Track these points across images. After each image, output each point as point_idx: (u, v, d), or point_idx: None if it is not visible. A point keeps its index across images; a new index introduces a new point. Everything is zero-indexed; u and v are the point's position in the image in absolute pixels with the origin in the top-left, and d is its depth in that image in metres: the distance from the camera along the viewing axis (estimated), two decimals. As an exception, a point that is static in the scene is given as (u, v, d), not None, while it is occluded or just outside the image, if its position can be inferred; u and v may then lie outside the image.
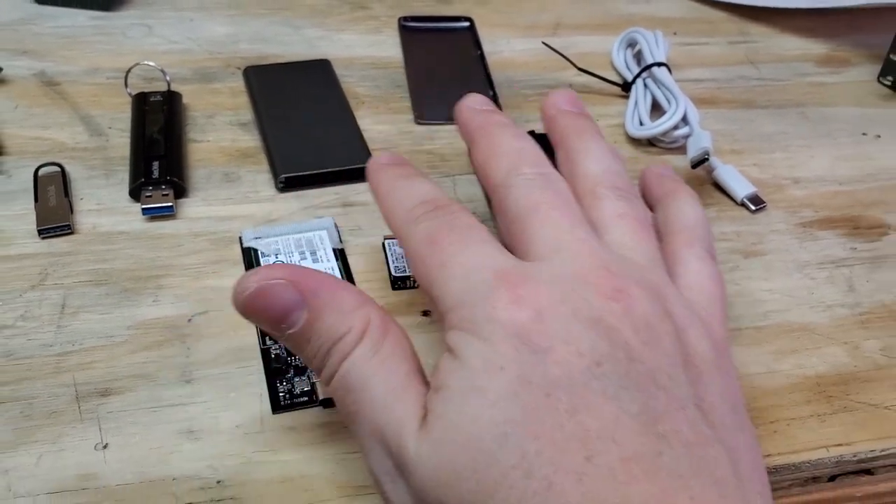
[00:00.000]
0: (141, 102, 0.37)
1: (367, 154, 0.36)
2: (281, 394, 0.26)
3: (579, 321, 0.20)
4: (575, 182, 0.25)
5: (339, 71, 0.41)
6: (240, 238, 0.32)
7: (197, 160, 0.36)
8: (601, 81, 0.42)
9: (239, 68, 0.41)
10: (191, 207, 0.33)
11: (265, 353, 0.27)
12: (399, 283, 0.30)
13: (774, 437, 0.26)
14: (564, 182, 0.24)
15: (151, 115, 0.36)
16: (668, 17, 0.50)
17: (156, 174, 0.33)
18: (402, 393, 0.20)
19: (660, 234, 0.26)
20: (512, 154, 0.25)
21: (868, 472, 0.26)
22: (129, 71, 0.39)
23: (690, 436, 0.19)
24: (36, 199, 0.32)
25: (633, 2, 0.51)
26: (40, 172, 0.34)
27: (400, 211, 0.24)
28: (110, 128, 0.37)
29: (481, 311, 0.20)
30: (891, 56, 0.44)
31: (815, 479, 0.26)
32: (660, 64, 0.40)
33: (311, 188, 0.35)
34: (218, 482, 0.24)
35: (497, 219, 0.25)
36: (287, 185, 0.34)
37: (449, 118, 0.39)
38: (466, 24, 0.47)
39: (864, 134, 0.41)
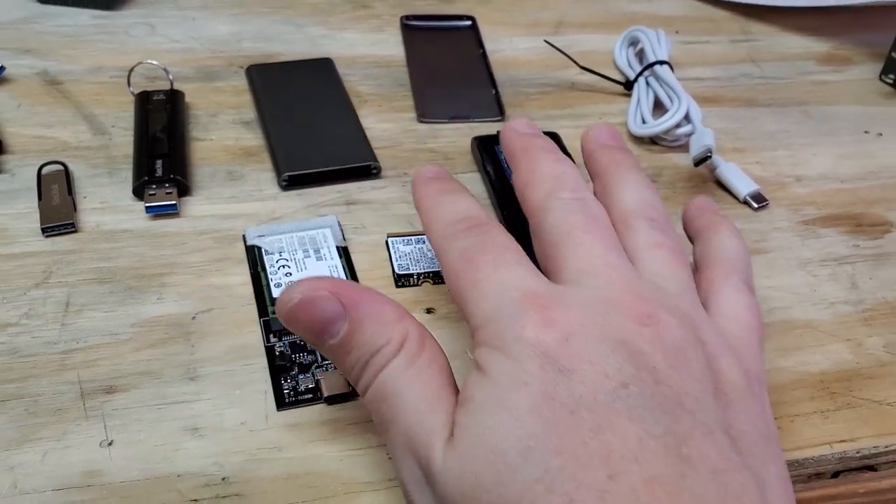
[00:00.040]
0: (144, 101, 0.37)
1: (370, 152, 0.36)
2: (285, 391, 0.26)
3: (607, 344, 0.20)
4: (610, 213, 0.25)
5: (341, 69, 0.41)
6: (243, 236, 0.32)
7: (200, 159, 0.36)
8: (603, 80, 0.42)
9: (242, 67, 0.41)
10: (194, 206, 0.33)
11: (269, 350, 0.27)
12: (402, 280, 0.30)
13: (778, 434, 0.26)
14: (601, 208, 0.25)
15: (154, 114, 0.36)
16: (670, 15, 0.50)
17: (159, 172, 0.33)
18: (435, 404, 0.21)
19: (698, 267, 0.26)
20: (551, 178, 0.25)
21: (871, 468, 0.26)
22: (131, 70, 0.39)
23: (717, 461, 0.18)
24: (39, 198, 0.32)
25: (635, 0, 0.51)
26: (44, 171, 0.34)
27: (439, 226, 0.25)
28: (113, 126, 0.37)
29: (510, 331, 0.20)
30: (892, 54, 0.44)
31: (819, 476, 0.26)
32: (662, 62, 0.40)
33: (315, 186, 0.35)
34: (223, 479, 0.24)
35: (534, 241, 0.25)
36: (290, 183, 0.34)
37: (451, 116, 0.39)
38: (468, 22, 0.47)
39: (866, 132, 0.41)
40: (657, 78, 0.40)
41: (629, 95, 0.41)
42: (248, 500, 0.23)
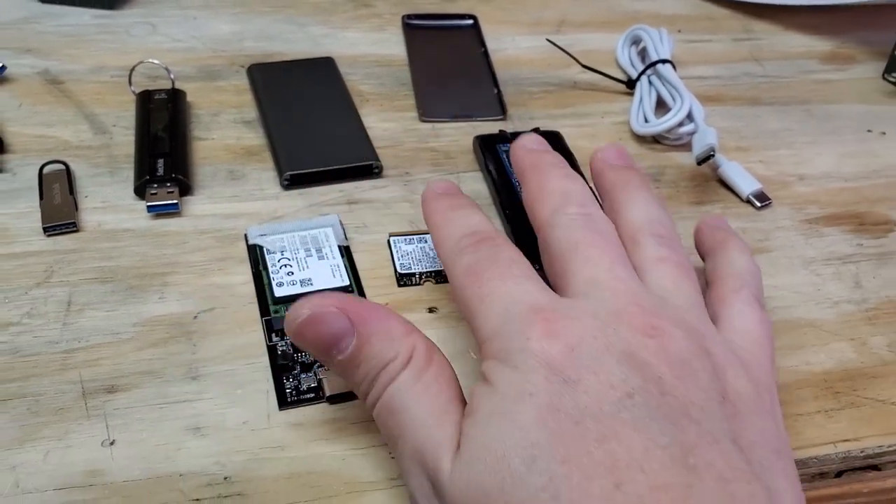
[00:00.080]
0: (145, 100, 0.37)
1: (371, 152, 0.36)
2: (287, 390, 0.26)
3: (612, 355, 0.20)
4: (618, 229, 0.25)
5: (343, 69, 0.41)
6: (245, 235, 0.32)
7: (202, 158, 0.36)
8: (606, 78, 0.42)
9: (243, 66, 0.41)
10: (196, 205, 0.33)
11: (271, 349, 0.27)
12: (404, 279, 0.30)
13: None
14: (609, 223, 0.25)
15: (156, 113, 0.36)
16: (672, 14, 0.50)
17: (161, 172, 0.33)
18: (443, 418, 0.21)
19: (709, 282, 0.26)
20: (559, 194, 0.26)
21: (875, 467, 0.26)
22: (133, 69, 0.39)
23: (724, 470, 0.18)
24: (41, 197, 0.32)
25: (637, -1, 0.51)
26: (45, 170, 0.34)
27: (448, 241, 0.25)
28: (114, 126, 0.37)
29: (515, 343, 0.20)
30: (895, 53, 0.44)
31: (822, 475, 0.26)
32: (664, 61, 0.40)
33: (316, 185, 0.34)
34: (225, 478, 0.24)
35: (542, 256, 0.26)
36: (292, 182, 0.34)
37: (453, 116, 0.39)
38: (470, 21, 0.47)
39: (869, 131, 0.41)
40: (660, 77, 0.40)
41: (631, 94, 0.41)
42: (250, 500, 0.23)
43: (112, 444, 0.24)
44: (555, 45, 0.42)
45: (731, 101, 0.42)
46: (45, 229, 0.31)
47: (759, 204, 0.35)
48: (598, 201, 0.27)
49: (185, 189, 0.33)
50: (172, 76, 0.39)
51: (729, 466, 0.19)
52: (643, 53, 0.43)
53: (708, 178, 0.37)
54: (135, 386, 0.26)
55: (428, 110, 0.39)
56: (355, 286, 0.30)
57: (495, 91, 0.41)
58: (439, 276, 0.31)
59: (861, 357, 0.29)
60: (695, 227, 0.29)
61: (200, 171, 0.35)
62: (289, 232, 0.31)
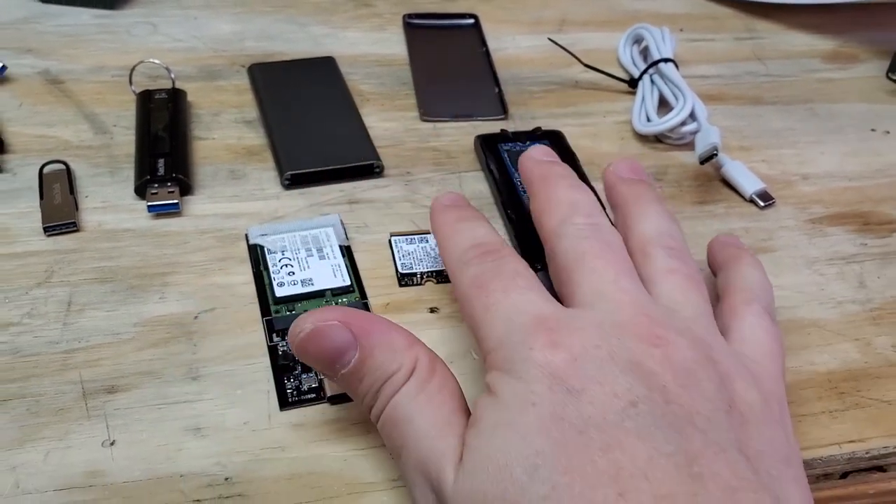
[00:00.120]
0: (146, 100, 0.37)
1: (372, 151, 0.35)
2: (288, 390, 0.26)
3: (616, 364, 0.20)
4: (629, 242, 0.25)
5: (343, 68, 0.41)
6: (246, 235, 0.32)
7: (202, 158, 0.36)
8: (607, 78, 0.42)
9: (244, 66, 0.41)
10: (196, 205, 0.33)
11: (272, 349, 0.27)
12: (406, 279, 0.30)
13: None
14: (616, 234, 0.25)
15: (156, 113, 0.36)
16: (674, 13, 0.50)
17: (161, 171, 0.33)
18: (446, 428, 0.21)
19: (720, 295, 0.26)
20: (567, 204, 0.26)
21: (880, 469, 0.26)
22: (133, 69, 0.39)
23: (730, 479, 0.18)
24: (41, 197, 0.32)
25: (639, -2, 0.51)
26: (45, 170, 0.34)
27: (454, 253, 0.25)
28: (115, 125, 0.37)
29: (519, 353, 0.20)
30: (899, 52, 0.44)
31: (827, 477, 0.26)
32: (667, 60, 0.40)
33: (317, 185, 0.34)
34: (226, 479, 0.23)
35: (549, 266, 0.26)
36: (293, 182, 0.34)
37: (454, 115, 0.39)
38: (471, 20, 0.46)
39: (872, 130, 0.41)
40: (662, 76, 0.40)
41: (634, 93, 0.41)
42: (250, 501, 0.23)
43: (112, 444, 0.24)
44: (556, 44, 0.42)
45: (733, 101, 0.42)
46: (46, 229, 0.31)
47: (762, 203, 0.35)
48: (607, 213, 0.27)
49: (186, 189, 0.33)
50: (173, 76, 0.39)
51: (735, 476, 0.18)
52: (645, 52, 0.43)
53: (711, 177, 0.37)
54: (135, 386, 0.26)
55: (429, 110, 0.39)
56: (356, 286, 0.30)
57: (496, 90, 0.41)
58: (440, 276, 0.30)
59: (865, 357, 0.29)
60: (708, 243, 0.29)
61: (201, 170, 0.35)
62: (290, 232, 0.31)
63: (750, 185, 0.36)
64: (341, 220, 0.32)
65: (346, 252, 0.31)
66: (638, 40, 0.44)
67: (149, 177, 0.33)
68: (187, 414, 0.25)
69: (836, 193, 0.36)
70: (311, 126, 0.37)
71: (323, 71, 0.41)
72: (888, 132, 0.41)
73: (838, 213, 0.35)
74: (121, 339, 0.27)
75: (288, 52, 0.43)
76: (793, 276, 0.32)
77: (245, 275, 0.30)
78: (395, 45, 0.44)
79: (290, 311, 0.28)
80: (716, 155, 0.35)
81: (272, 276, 0.29)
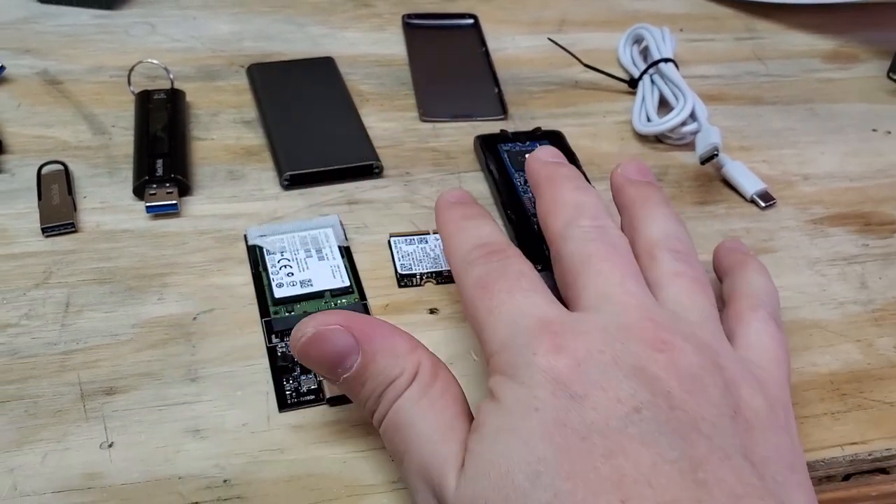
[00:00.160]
0: (144, 100, 0.37)
1: (372, 152, 0.35)
2: (287, 392, 0.26)
3: (620, 369, 0.20)
4: (635, 244, 0.25)
5: (343, 68, 0.41)
6: (245, 236, 0.31)
7: (201, 158, 0.36)
8: (607, 78, 0.42)
9: (242, 66, 0.41)
10: (195, 205, 0.33)
11: (271, 350, 0.27)
12: (405, 280, 0.30)
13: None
14: (622, 236, 0.25)
15: (155, 113, 0.36)
16: (674, 13, 0.50)
17: (160, 172, 0.33)
18: (448, 434, 0.21)
19: (725, 301, 0.26)
20: (572, 206, 0.25)
21: (883, 471, 0.26)
22: (132, 69, 0.38)
23: (735, 486, 0.18)
24: (39, 198, 0.32)
25: (639, -2, 0.51)
26: (43, 171, 0.33)
27: (459, 252, 0.25)
28: (113, 126, 0.37)
29: (522, 357, 0.20)
30: (899, 52, 0.44)
31: (830, 479, 0.26)
32: (667, 60, 0.40)
33: (316, 186, 0.34)
34: (224, 481, 0.23)
35: (554, 268, 0.25)
36: (292, 182, 0.34)
37: (454, 115, 0.39)
38: (471, 20, 0.46)
39: (873, 130, 0.41)
40: (662, 76, 0.40)
41: (634, 93, 0.41)
42: (249, 503, 0.23)
43: (111, 446, 0.24)
44: (556, 44, 0.42)
45: (733, 101, 0.42)
46: (44, 230, 0.31)
47: (763, 204, 0.35)
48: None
49: (185, 189, 0.33)
50: (171, 76, 0.39)
51: (740, 482, 0.18)
52: (645, 52, 0.43)
53: (711, 177, 0.37)
54: (133, 388, 0.26)
55: (428, 110, 0.39)
56: (355, 287, 0.29)
57: (496, 90, 0.41)
58: (440, 277, 0.30)
59: (867, 358, 0.29)
60: (714, 249, 0.29)
61: (200, 171, 0.35)
62: (289, 232, 0.31)
63: (751, 185, 0.35)
64: (340, 221, 0.32)
65: (346, 253, 0.31)
66: (638, 40, 0.43)
67: (147, 177, 0.33)
68: (186, 415, 0.25)
69: (837, 194, 0.36)
70: (311, 126, 0.37)
71: (322, 71, 0.41)
72: (889, 132, 0.41)
73: (839, 213, 0.35)
74: (119, 341, 0.27)
75: (286, 53, 0.43)
76: (794, 277, 0.32)
77: (244, 276, 0.30)
78: (394, 45, 0.44)
79: (289, 312, 0.28)
80: (716, 155, 0.35)
81: (271, 276, 0.29)
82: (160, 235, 0.31)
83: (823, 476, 0.26)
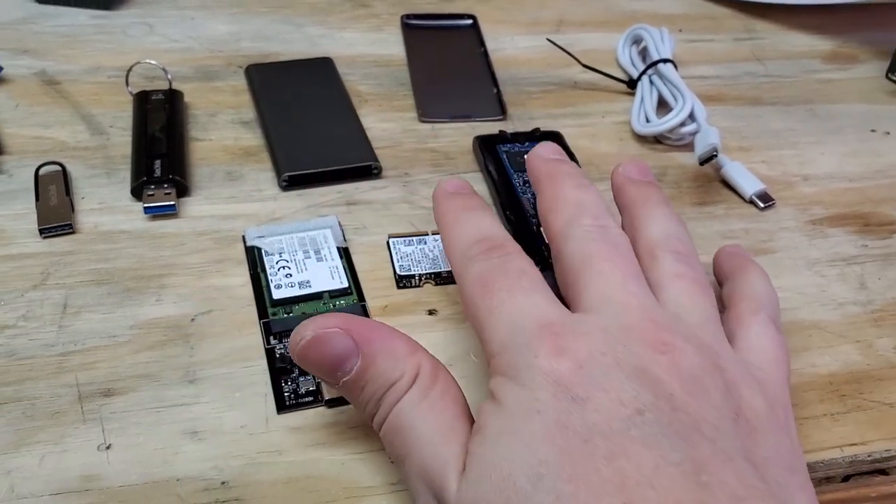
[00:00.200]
0: (142, 101, 0.37)
1: (370, 152, 0.35)
2: (286, 393, 0.26)
3: (622, 371, 0.20)
4: (636, 244, 0.25)
5: (341, 69, 0.41)
6: (243, 237, 0.31)
7: (199, 159, 0.35)
8: (606, 78, 0.42)
9: (241, 66, 0.41)
10: (193, 206, 0.33)
11: (270, 352, 0.27)
12: (404, 281, 0.30)
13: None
14: (623, 236, 0.25)
15: (153, 114, 0.36)
16: (672, 13, 0.50)
17: (158, 173, 0.33)
18: (449, 436, 0.21)
19: (726, 304, 0.26)
20: (573, 205, 0.25)
21: (882, 472, 0.26)
22: (130, 69, 0.38)
23: (738, 488, 0.18)
24: (37, 199, 0.32)
25: (638, -1, 0.51)
26: (41, 171, 0.33)
27: (458, 247, 0.25)
28: (111, 126, 0.37)
29: (523, 359, 0.20)
30: (898, 52, 0.44)
31: (829, 480, 0.26)
32: (666, 60, 0.40)
33: (315, 186, 0.34)
34: (222, 483, 0.23)
35: (555, 267, 0.25)
36: (290, 183, 0.34)
37: (453, 116, 0.39)
38: (469, 21, 0.46)
39: (872, 130, 0.41)
40: (661, 76, 0.40)
41: (632, 94, 0.41)
42: (248, 505, 0.23)
43: (108, 448, 0.24)
44: (555, 44, 0.42)
45: (732, 101, 0.42)
46: (41, 231, 0.31)
47: (762, 205, 0.35)
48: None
49: (183, 190, 0.33)
50: (170, 77, 0.39)
51: (742, 484, 0.18)
52: (644, 53, 0.43)
53: (710, 178, 0.37)
54: (131, 389, 0.26)
55: (427, 110, 0.39)
56: (354, 288, 0.29)
57: (495, 91, 0.41)
58: (439, 278, 0.30)
59: (867, 359, 0.28)
60: (714, 253, 0.29)
61: (198, 172, 0.35)
62: (287, 233, 0.31)
63: (750, 186, 0.35)
64: (339, 222, 0.32)
65: (344, 254, 0.31)
66: (637, 41, 0.43)
67: (145, 178, 0.33)
68: (184, 417, 0.25)
69: (837, 194, 0.36)
70: (309, 127, 0.36)
71: (320, 71, 0.40)
72: (888, 133, 0.41)
73: (839, 214, 0.35)
74: (117, 342, 0.27)
75: (285, 53, 0.43)
76: (793, 278, 0.32)
77: (242, 277, 0.30)
78: (392, 45, 0.44)
79: (288, 313, 0.28)
80: (715, 156, 0.35)
81: (269, 278, 0.29)
82: (158, 236, 0.31)
83: (823, 477, 0.26)
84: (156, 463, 0.24)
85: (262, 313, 0.28)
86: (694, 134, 0.37)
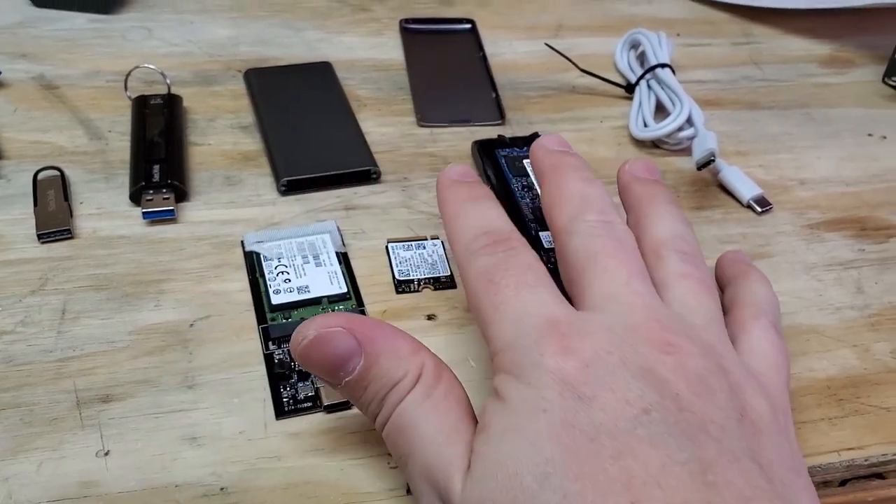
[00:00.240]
0: (141, 105, 0.37)
1: (369, 157, 0.35)
2: (285, 399, 0.26)
3: (628, 371, 0.20)
4: (641, 243, 0.25)
5: (340, 73, 0.41)
6: (242, 242, 0.31)
7: (198, 163, 0.35)
8: (604, 83, 0.42)
9: (240, 71, 0.41)
10: (192, 211, 0.33)
11: (268, 357, 0.27)
12: (403, 286, 0.30)
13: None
14: (629, 232, 0.24)
15: (152, 119, 0.36)
16: (670, 18, 0.50)
17: (156, 178, 0.33)
18: (453, 435, 0.20)
19: (727, 309, 0.26)
20: (578, 199, 0.25)
21: (880, 476, 0.26)
22: (128, 74, 0.38)
23: (744, 488, 0.18)
24: (35, 204, 0.32)
25: (635, 3, 0.51)
26: (39, 176, 0.33)
27: (462, 239, 0.24)
28: (110, 131, 0.37)
29: (529, 357, 0.20)
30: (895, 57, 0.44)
31: (826, 484, 0.26)
32: (663, 65, 0.40)
33: (314, 191, 0.34)
34: (221, 489, 0.23)
35: (559, 263, 0.25)
36: (289, 188, 0.34)
37: (452, 120, 0.39)
38: (468, 25, 0.46)
39: (869, 135, 0.41)
40: (659, 81, 0.40)
41: (630, 98, 0.41)
42: (246, 512, 0.23)
43: (107, 454, 0.24)
44: (553, 49, 0.42)
45: (730, 105, 0.42)
46: (40, 236, 0.31)
47: (759, 209, 0.35)
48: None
49: (181, 195, 0.33)
50: (168, 81, 0.39)
51: (749, 484, 0.18)
52: (642, 57, 0.43)
53: (708, 183, 0.37)
54: (130, 395, 0.26)
55: (426, 115, 0.39)
56: (353, 293, 0.29)
57: (493, 96, 0.41)
58: (438, 283, 0.30)
59: (864, 364, 0.29)
60: (717, 259, 0.29)
61: (197, 176, 0.35)
62: (286, 238, 0.31)
63: (747, 190, 0.35)
64: (338, 227, 0.32)
65: (343, 259, 0.31)
66: (635, 45, 0.44)
67: (144, 183, 0.33)
68: (183, 423, 0.25)
69: (834, 199, 0.36)
70: (308, 131, 0.37)
71: (319, 76, 0.41)
72: (885, 137, 0.41)
73: (835, 218, 0.35)
74: (115, 348, 0.27)
75: (284, 57, 0.43)
76: (791, 282, 0.32)
77: (241, 282, 0.30)
78: (391, 50, 0.44)
79: (287, 318, 0.28)
80: (713, 160, 0.35)
81: (268, 283, 0.29)
82: (157, 241, 0.31)
83: (820, 481, 0.26)
84: (154, 469, 0.24)
85: (260, 318, 0.28)
86: (691, 138, 0.37)
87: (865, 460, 0.26)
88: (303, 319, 0.28)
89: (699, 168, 0.35)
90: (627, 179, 0.28)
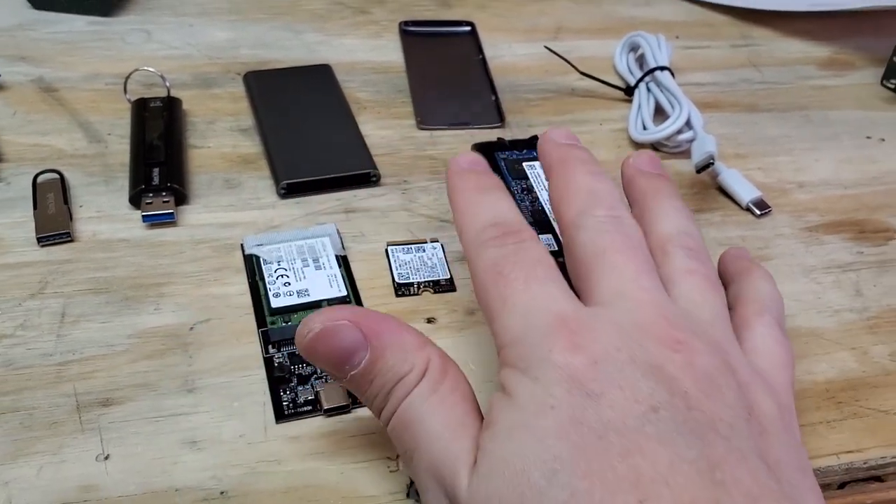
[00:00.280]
0: (140, 108, 0.37)
1: (369, 160, 0.35)
2: (284, 402, 0.26)
3: (637, 368, 0.20)
4: (647, 239, 0.25)
5: (340, 76, 0.41)
6: (241, 245, 0.31)
7: (197, 166, 0.35)
8: (604, 85, 0.42)
9: (239, 74, 0.41)
10: (192, 214, 0.33)
11: (268, 361, 0.27)
12: (402, 289, 0.30)
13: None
14: (637, 227, 0.24)
15: (151, 121, 0.36)
16: (669, 20, 0.50)
17: (156, 181, 0.33)
18: (459, 431, 0.20)
19: (731, 306, 0.26)
20: (586, 193, 0.25)
21: (878, 479, 0.26)
22: (128, 77, 0.38)
23: (752, 487, 0.18)
24: (35, 207, 0.32)
25: (634, 5, 0.51)
26: (39, 179, 0.33)
27: (471, 230, 0.24)
28: (109, 134, 0.37)
29: (537, 353, 0.20)
30: (894, 59, 0.44)
31: (826, 487, 0.26)
32: (663, 68, 0.40)
33: (313, 194, 0.34)
34: (221, 493, 0.23)
35: (566, 258, 0.25)
36: (289, 191, 0.34)
37: (451, 123, 0.39)
38: (468, 28, 0.46)
39: (868, 137, 0.41)
40: (658, 84, 0.40)
41: (630, 101, 0.41)
42: (246, 515, 0.23)
43: (107, 458, 0.24)
44: (553, 52, 0.42)
45: (729, 108, 0.42)
46: (39, 239, 0.31)
47: (758, 212, 0.35)
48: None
49: (181, 198, 0.33)
50: (168, 84, 0.39)
51: (757, 483, 0.18)
52: (641, 60, 0.43)
53: (707, 185, 0.37)
54: (130, 399, 0.26)
55: (426, 118, 0.39)
56: (353, 296, 0.29)
57: (493, 98, 0.41)
58: (437, 286, 0.30)
59: (863, 366, 0.29)
60: (719, 256, 0.29)
61: (196, 179, 0.35)
62: (285, 241, 0.31)
63: (746, 193, 0.36)
64: (337, 230, 0.32)
65: (343, 262, 0.31)
66: (634, 48, 0.44)
67: (143, 186, 0.33)
68: (182, 427, 0.25)
69: (832, 201, 0.37)
70: (307, 134, 0.37)
71: (319, 79, 0.41)
72: (883, 139, 0.41)
73: (834, 221, 0.35)
74: (115, 351, 0.27)
75: (283, 60, 0.43)
76: (790, 285, 0.32)
77: (241, 285, 0.30)
78: (391, 52, 0.44)
79: (286, 322, 0.28)
80: (712, 163, 0.35)
81: (268, 286, 0.29)
82: (156, 245, 0.31)
83: (819, 484, 0.26)
84: (154, 473, 0.24)
85: (260, 322, 0.28)
86: (691, 141, 0.37)
87: (864, 463, 0.26)
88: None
89: (698, 171, 0.35)
90: (632, 173, 0.28)
